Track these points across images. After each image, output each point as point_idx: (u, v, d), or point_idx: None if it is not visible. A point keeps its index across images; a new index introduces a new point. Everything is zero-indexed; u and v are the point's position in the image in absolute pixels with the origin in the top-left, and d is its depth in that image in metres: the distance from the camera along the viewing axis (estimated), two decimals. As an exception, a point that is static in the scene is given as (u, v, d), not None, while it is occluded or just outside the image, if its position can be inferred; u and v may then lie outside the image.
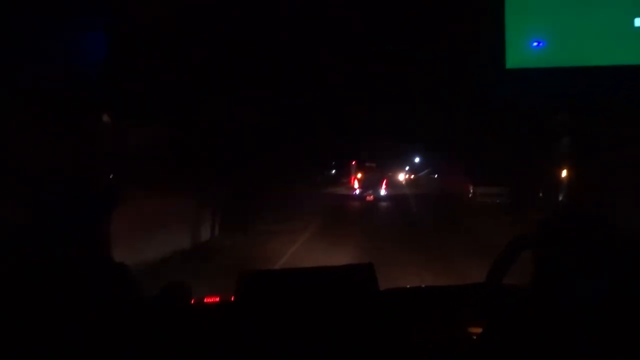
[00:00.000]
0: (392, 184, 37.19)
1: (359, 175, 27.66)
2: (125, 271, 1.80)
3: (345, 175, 40.01)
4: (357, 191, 26.58)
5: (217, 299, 2.22)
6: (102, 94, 2.20)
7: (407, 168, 56.52)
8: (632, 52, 1.91)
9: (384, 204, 24.09)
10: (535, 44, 1.95)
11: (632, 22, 1.89)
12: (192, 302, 2.00)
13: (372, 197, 25.49)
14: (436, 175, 42.42)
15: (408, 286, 2.50)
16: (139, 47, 2.87)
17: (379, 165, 30.88)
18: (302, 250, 10.14)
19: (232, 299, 1.90)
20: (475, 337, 1.68)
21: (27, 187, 1.78)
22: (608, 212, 2.20)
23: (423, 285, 2.50)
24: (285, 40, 3.10)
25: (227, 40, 3.06)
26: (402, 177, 52.80)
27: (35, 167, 1.86)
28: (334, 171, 47.40)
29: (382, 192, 27.22)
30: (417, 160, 51.37)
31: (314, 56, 3.36)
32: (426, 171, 46.85)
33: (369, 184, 26.71)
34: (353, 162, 32.67)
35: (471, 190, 23.22)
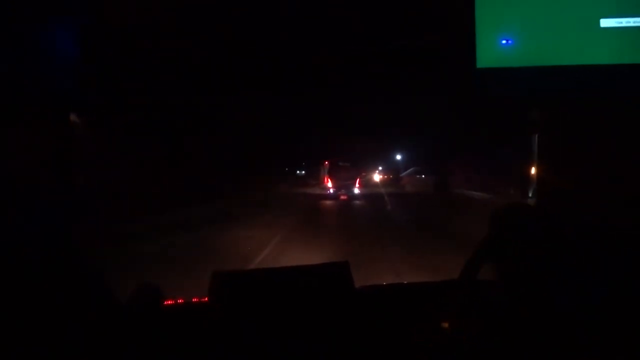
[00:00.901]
0: (367, 184, 37.52)
1: (333, 175, 27.79)
2: (96, 273, 1.77)
3: (315, 175, 39.66)
4: (331, 190, 26.67)
5: (191, 300, 2.19)
6: (74, 94, 2.16)
7: (380, 168, 56.22)
8: (598, 52, 1.96)
9: (357, 202, 24.39)
10: (504, 41, 1.98)
11: (598, 23, 1.94)
12: (165, 303, 1.97)
13: (346, 196, 25.70)
14: (424, 176, 39.05)
15: (384, 283, 2.51)
16: (114, 46, 2.81)
17: (353, 165, 31.18)
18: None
19: (206, 299, 1.88)
20: (450, 333, 1.69)
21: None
22: (573, 209, 2.26)
23: (398, 282, 2.52)
24: (258, 37, 3.08)
25: (202, 36, 3.03)
26: (377, 177, 51.12)
27: (4, 169, 1.82)
28: (304, 172, 46.85)
29: (356, 190, 27.37)
30: (397, 158, 50.81)
31: (283, 52, 3.35)
32: (411, 170, 43.57)
33: (343, 183, 26.88)
34: (325, 162, 32.79)
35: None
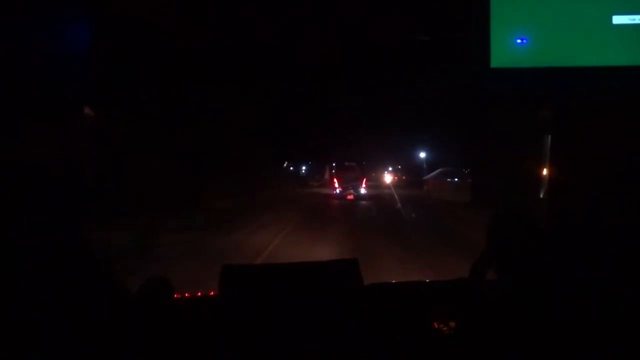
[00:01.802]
0: (376, 186, 37.03)
1: (339, 175, 27.80)
2: (107, 268, 1.78)
3: (318, 175, 38.81)
4: (338, 190, 26.65)
5: (200, 294, 2.21)
6: (87, 87, 2.17)
7: (389, 168, 54.26)
8: (613, 52, 1.95)
9: (364, 202, 23.97)
10: (519, 41, 1.97)
11: (610, 20, 1.93)
12: (175, 296, 1.99)
13: (352, 196, 25.70)
14: (456, 179, 31.40)
15: (393, 281, 2.52)
16: (125, 40, 2.83)
17: (360, 164, 30.68)
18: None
19: (215, 293, 1.90)
20: (457, 331, 1.70)
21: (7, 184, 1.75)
22: (585, 210, 2.24)
23: (407, 280, 2.52)
24: (260, 32, 3.08)
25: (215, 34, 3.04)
26: (387, 178, 48.36)
27: (16, 163, 1.84)
28: (303, 168, 44.87)
29: (363, 191, 27.19)
30: (419, 156, 46.18)
31: (291, 47, 3.35)
32: (439, 172, 35.51)
33: (350, 183, 26.84)
34: (332, 162, 32.65)
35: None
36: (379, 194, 30.27)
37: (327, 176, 35.74)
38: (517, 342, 1.30)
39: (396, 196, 28.41)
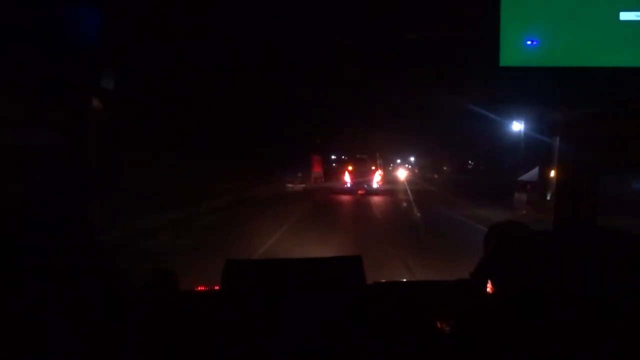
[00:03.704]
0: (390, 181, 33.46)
1: (350, 168, 26.70)
2: (110, 259, 1.79)
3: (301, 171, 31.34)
4: (348, 184, 25.65)
5: (204, 288, 2.22)
6: (95, 74, 2.17)
7: (412, 159, 49.07)
8: (623, 53, 1.93)
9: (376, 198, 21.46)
10: (529, 42, 1.96)
11: (618, 16, 1.91)
12: (180, 290, 2.00)
13: (363, 190, 24.63)
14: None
15: (396, 280, 2.51)
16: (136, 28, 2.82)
17: (372, 157, 28.99)
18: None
19: (218, 288, 1.90)
20: (459, 331, 1.69)
21: (13, 168, 1.76)
22: (592, 212, 2.22)
23: (410, 280, 2.52)
24: (274, 24, 3.08)
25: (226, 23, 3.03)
26: (402, 173, 43.54)
27: (22, 148, 1.84)
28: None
29: (375, 185, 25.93)
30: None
31: (303, 41, 3.34)
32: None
33: (361, 177, 25.79)
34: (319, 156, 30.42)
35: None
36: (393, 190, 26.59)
37: (315, 173, 32.70)
38: (518, 343, 1.30)
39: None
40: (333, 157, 42.85)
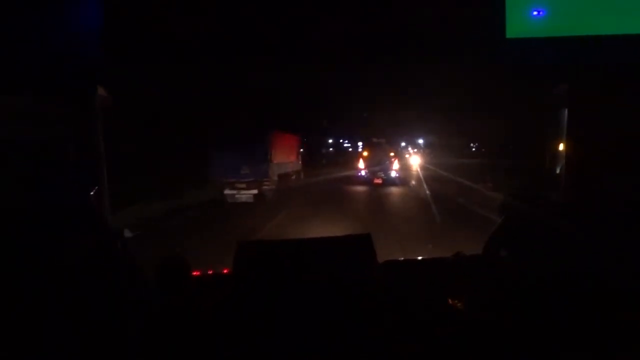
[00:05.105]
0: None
1: (365, 154, 23.15)
2: (121, 244, 1.79)
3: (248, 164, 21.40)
4: (363, 172, 21.68)
5: (213, 272, 2.23)
6: (100, 66, 2.17)
7: (421, 141, 47.31)
8: (630, 18, 1.88)
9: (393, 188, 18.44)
10: (535, 12, 1.92)
11: None
12: (193, 274, 2.01)
13: (380, 180, 20.92)
14: None
15: (402, 258, 2.52)
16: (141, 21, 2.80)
17: (389, 142, 25.47)
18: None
19: (230, 270, 1.91)
20: (468, 306, 1.70)
21: (18, 158, 1.76)
22: (601, 185, 2.21)
23: (420, 258, 2.52)
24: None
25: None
26: (415, 160, 36.08)
27: (28, 138, 1.85)
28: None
29: (393, 173, 22.04)
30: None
31: (306, 23, 3.30)
32: None
33: (377, 164, 22.00)
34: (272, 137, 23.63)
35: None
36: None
37: (282, 166, 18.74)
38: (529, 320, 1.30)
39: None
40: (330, 140, 39.15)
